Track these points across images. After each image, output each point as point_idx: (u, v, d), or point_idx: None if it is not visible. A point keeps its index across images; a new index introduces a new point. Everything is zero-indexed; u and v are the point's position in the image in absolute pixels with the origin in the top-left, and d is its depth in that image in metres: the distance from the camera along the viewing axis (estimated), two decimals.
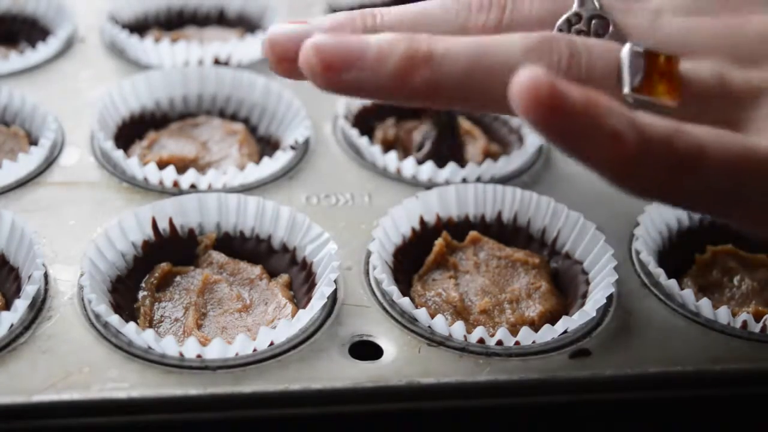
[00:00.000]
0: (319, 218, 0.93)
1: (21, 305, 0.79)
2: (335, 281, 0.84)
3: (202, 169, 1.02)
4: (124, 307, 0.85)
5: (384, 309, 0.85)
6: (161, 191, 0.98)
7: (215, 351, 0.78)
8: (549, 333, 0.82)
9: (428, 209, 0.95)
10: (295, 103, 1.08)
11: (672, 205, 0.66)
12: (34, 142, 1.03)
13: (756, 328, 0.85)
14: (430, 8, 0.75)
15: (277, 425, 0.79)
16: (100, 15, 1.25)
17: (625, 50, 0.67)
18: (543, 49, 0.66)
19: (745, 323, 0.85)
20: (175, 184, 0.98)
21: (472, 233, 0.93)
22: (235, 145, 1.05)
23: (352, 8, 1.35)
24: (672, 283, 0.88)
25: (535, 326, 0.84)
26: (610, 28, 0.73)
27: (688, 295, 0.87)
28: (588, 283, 0.89)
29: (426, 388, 0.78)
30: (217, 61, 1.20)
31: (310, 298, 0.84)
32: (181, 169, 1.00)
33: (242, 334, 0.79)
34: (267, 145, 1.09)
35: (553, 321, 0.84)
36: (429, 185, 1.00)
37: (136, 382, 0.76)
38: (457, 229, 0.95)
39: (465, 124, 1.11)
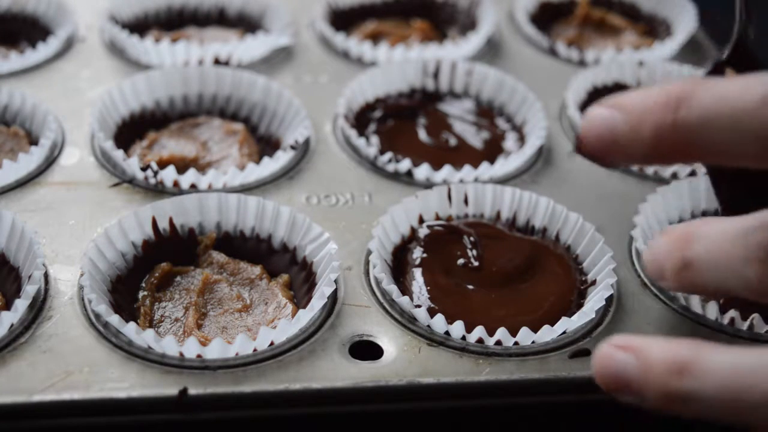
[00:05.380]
0: (319, 218, 0.93)
1: (21, 305, 0.80)
2: (335, 281, 0.84)
3: (202, 168, 1.02)
4: (124, 307, 0.85)
5: (384, 309, 0.86)
6: (161, 191, 0.98)
7: (215, 351, 0.78)
8: (548, 334, 0.82)
9: (427, 208, 0.95)
10: (295, 103, 1.08)
11: None
12: (34, 142, 1.03)
13: (762, 329, 0.85)
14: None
15: (277, 425, 0.79)
16: (100, 15, 1.25)
17: None
18: None
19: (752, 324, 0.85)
20: (175, 183, 0.98)
21: None
22: (235, 144, 1.05)
23: (352, 8, 1.36)
24: None
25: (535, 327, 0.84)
26: None
27: (692, 296, 0.87)
28: (587, 283, 0.89)
29: (426, 388, 0.78)
30: (217, 61, 1.20)
31: (310, 298, 0.84)
32: (181, 168, 1.00)
33: (242, 334, 0.79)
34: (267, 145, 1.09)
35: (552, 321, 0.84)
36: (428, 185, 1.00)
37: (136, 382, 0.76)
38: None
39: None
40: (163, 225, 0.91)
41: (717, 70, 0.84)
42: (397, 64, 1.18)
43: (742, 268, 0.67)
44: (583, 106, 1.16)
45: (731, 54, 0.83)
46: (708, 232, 0.70)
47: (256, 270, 0.89)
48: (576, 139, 0.67)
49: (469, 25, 1.35)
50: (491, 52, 1.30)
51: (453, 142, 1.11)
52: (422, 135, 1.11)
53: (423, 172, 1.02)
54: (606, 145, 0.66)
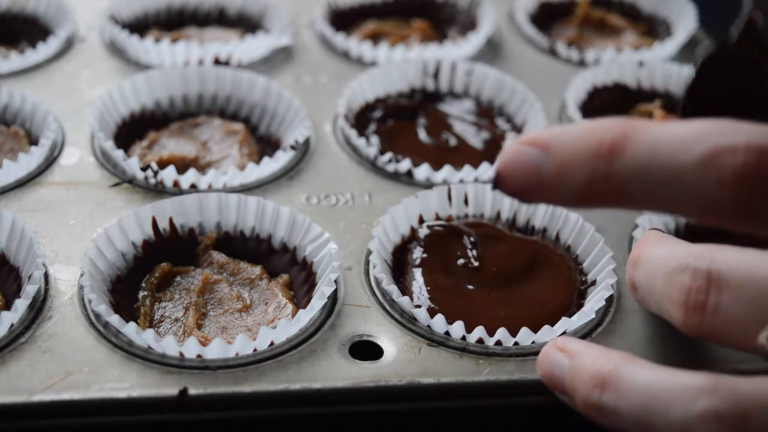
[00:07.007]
0: (319, 218, 0.93)
1: (21, 305, 0.80)
2: (335, 281, 0.84)
3: (202, 168, 1.02)
4: (124, 307, 0.85)
5: (384, 309, 0.86)
6: (161, 191, 0.98)
7: (215, 351, 0.78)
8: (548, 334, 0.82)
9: (427, 208, 0.95)
10: (295, 103, 1.08)
11: None
12: (34, 142, 1.03)
13: None
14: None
15: (277, 425, 0.79)
16: (100, 15, 1.25)
17: None
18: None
19: None
20: (176, 183, 0.98)
21: None
22: (235, 144, 1.05)
23: (352, 8, 1.36)
24: None
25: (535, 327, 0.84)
26: None
27: None
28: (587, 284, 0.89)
29: (426, 388, 0.78)
30: (217, 61, 1.20)
31: (310, 298, 0.84)
32: (182, 168, 1.00)
33: (242, 334, 0.79)
34: (267, 145, 1.09)
35: (552, 321, 0.84)
36: (428, 185, 1.00)
37: (136, 382, 0.76)
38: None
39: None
40: (163, 225, 0.91)
41: (723, 53, 0.81)
42: (397, 64, 1.18)
43: (667, 307, 0.68)
44: (583, 106, 1.16)
45: (741, 36, 0.81)
46: (649, 259, 0.72)
47: (256, 270, 0.89)
48: (495, 175, 0.65)
49: (469, 25, 1.35)
50: (491, 52, 1.30)
51: (453, 142, 1.11)
52: (422, 135, 1.11)
53: (423, 172, 1.02)
54: (531, 185, 0.63)
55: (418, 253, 0.91)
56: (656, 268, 0.70)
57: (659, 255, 0.70)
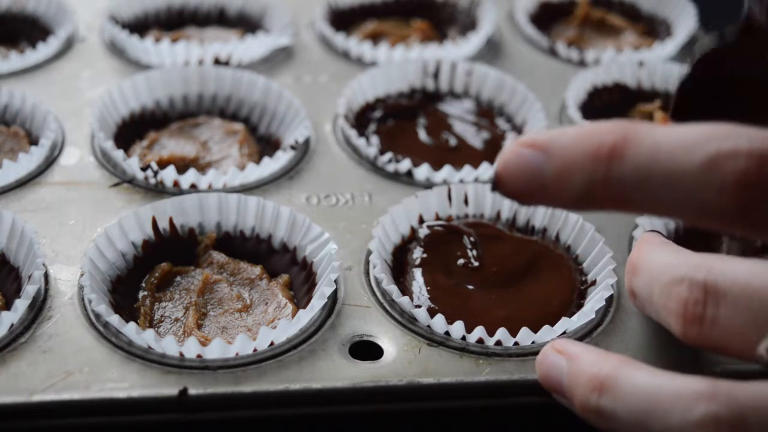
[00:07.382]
0: (319, 218, 0.93)
1: (21, 305, 0.80)
2: (335, 281, 0.84)
3: (202, 168, 1.02)
4: (124, 307, 0.85)
5: (384, 309, 0.86)
6: (161, 191, 0.98)
7: (215, 351, 0.78)
8: (548, 334, 0.82)
9: (427, 208, 0.95)
10: (295, 103, 1.08)
11: None
12: (34, 142, 1.03)
13: None
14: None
15: (277, 425, 0.79)
16: (100, 15, 1.25)
17: None
18: None
19: None
20: (176, 183, 0.98)
21: None
22: (235, 144, 1.05)
23: (352, 8, 1.36)
24: None
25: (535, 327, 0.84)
26: None
27: None
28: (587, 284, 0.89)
29: (426, 388, 0.78)
30: (217, 61, 1.20)
31: (310, 298, 0.84)
32: (182, 168, 1.00)
33: (242, 334, 0.79)
34: (267, 145, 1.09)
35: (552, 321, 0.84)
36: (428, 185, 1.00)
37: (136, 382, 0.76)
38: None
39: None
40: (163, 225, 0.91)
41: (720, 52, 0.80)
42: (397, 64, 1.18)
43: (666, 317, 0.68)
44: (583, 106, 1.16)
45: (742, 30, 0.79)
46: (647, 268, 0.71)
47: (256, 270, 0.89)
48: (494, 177, 0.64)
49: (469, 25, 1.35)
50: (491, 52, 1.30)
51: (453, 142, 1.11)
52: (422, 135, 1.11)
53: (423, 172, 1.02)
54: (530, 188, 0.63)
55: (418, 253, 0.91)
56: (654, 278, 0.70)
57: (657, 263, 0.70)
